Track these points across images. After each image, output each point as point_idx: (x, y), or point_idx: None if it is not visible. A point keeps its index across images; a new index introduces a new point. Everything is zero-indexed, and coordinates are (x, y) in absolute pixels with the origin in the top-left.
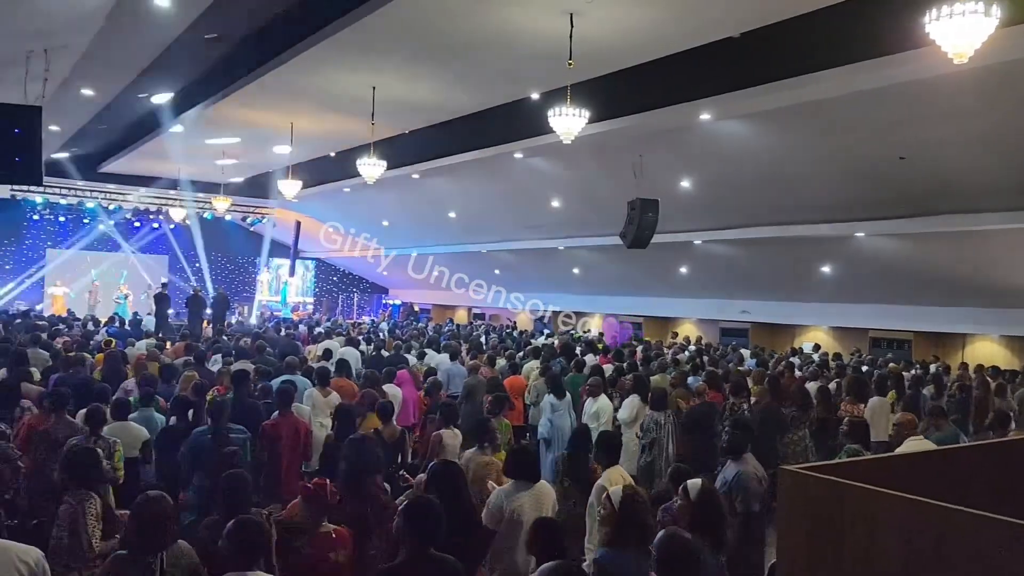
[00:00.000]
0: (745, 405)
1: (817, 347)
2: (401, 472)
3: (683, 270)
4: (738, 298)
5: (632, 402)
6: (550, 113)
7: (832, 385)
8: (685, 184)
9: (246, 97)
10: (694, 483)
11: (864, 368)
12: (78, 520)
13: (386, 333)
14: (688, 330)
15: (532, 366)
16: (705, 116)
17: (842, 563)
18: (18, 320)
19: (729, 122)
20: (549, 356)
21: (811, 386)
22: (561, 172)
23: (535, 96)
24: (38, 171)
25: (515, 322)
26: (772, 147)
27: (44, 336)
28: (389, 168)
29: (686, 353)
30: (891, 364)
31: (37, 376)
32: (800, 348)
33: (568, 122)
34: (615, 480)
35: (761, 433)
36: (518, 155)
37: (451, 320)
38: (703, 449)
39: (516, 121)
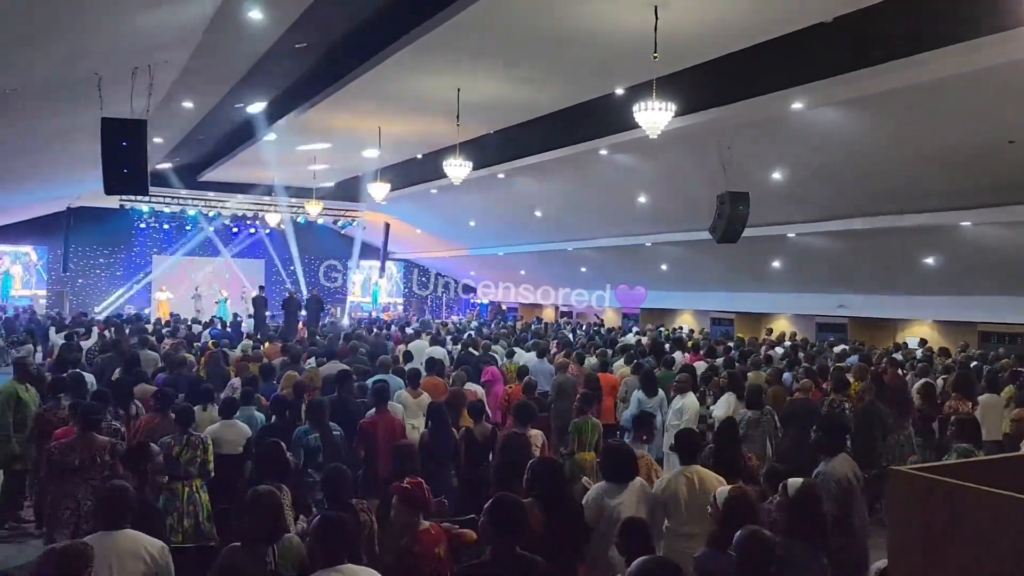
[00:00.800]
0: (846, 403)
1: (923, 342)
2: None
3: (776, 264)
4: (835, 292)
5: (727, 400)
6: (635, 108)
7: (939, 382)
8: (777, 176)
9: (335, 103)
10: (794, 482)
11: (973, 364)
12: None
13: (474, 332)
14: (782, 326)
15: (622, 364)
16: (797, 105)
17: (956, 568)
18: (129, 324)
19: (823, 110)
20: (638, 354)
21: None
22: (647, 167)
23: (620, 91)
24: (144, 181)
25: (603, 319)
26: (869, 135)
27: (152, 339)
28: (475, 168)
29: (779, 349)
30: (1003, 359)
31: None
32: (904, 343)
33: (654, 116)
34: (679, 481)
35: (861, 432)
36: (603, 151)
37: (538, 318)
38: (800, 448)
39: (601, 117)
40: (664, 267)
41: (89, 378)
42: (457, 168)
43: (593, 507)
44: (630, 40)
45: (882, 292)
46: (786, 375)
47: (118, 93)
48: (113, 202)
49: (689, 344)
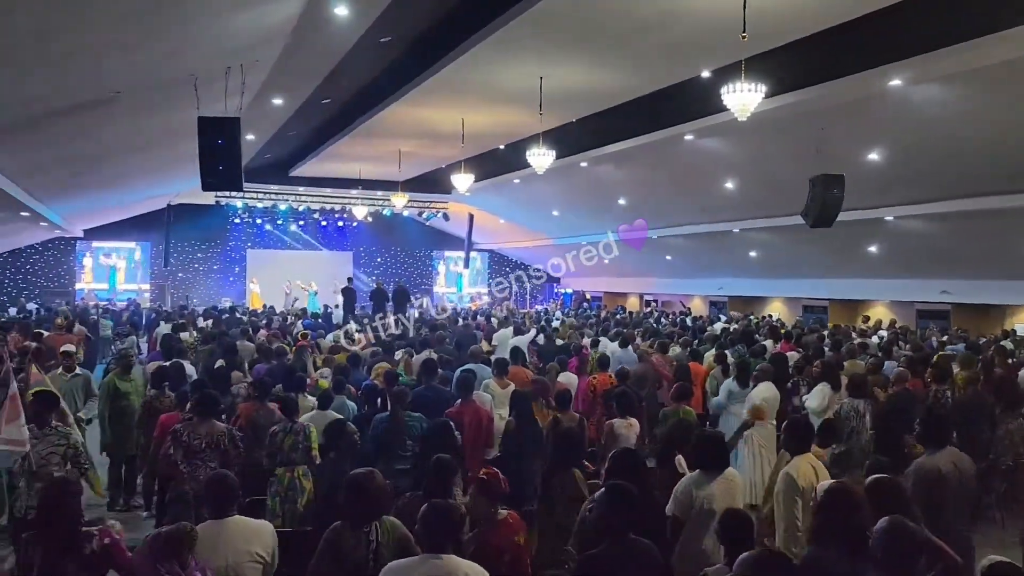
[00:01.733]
0: (949, 393)
1: None
2: (582, 460)
3: (873, 249)
4: (937, 277)
5: (822, 390)
6: (723, 90)
7: None
8: (873, 156)
9: (418, 96)
10: (823, 485)
11: None
12: None
13: (558, 322)
14: (880, 313)
15: (713, 354)
16: (895, 82)
17: None
18: (226, 315)
19: (923, 86)
20: (728, 343)
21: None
22: (735, 152)
23: (706, 73)
24: (238, 178)
25: (689, 308)
26: (972, 111)
27: (249, 330)
28: (558, 157)
29: (875, 338)
30: None
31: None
32: (1012, 330)
33: (743, 98)
34: (803, 469)
35: (964, 424)
36: (689, 137)
37: (622, 307)
38: (901, 440)
39: (686, 101)
40: (753, 254)
41: (189, 368)
42: (540, 157)
43: (682, 498)
44: (717, 20)
45: (988, 277)
46: (886, 365)
47: (213, 93)
48: (209, 199)
49: (781, 332)
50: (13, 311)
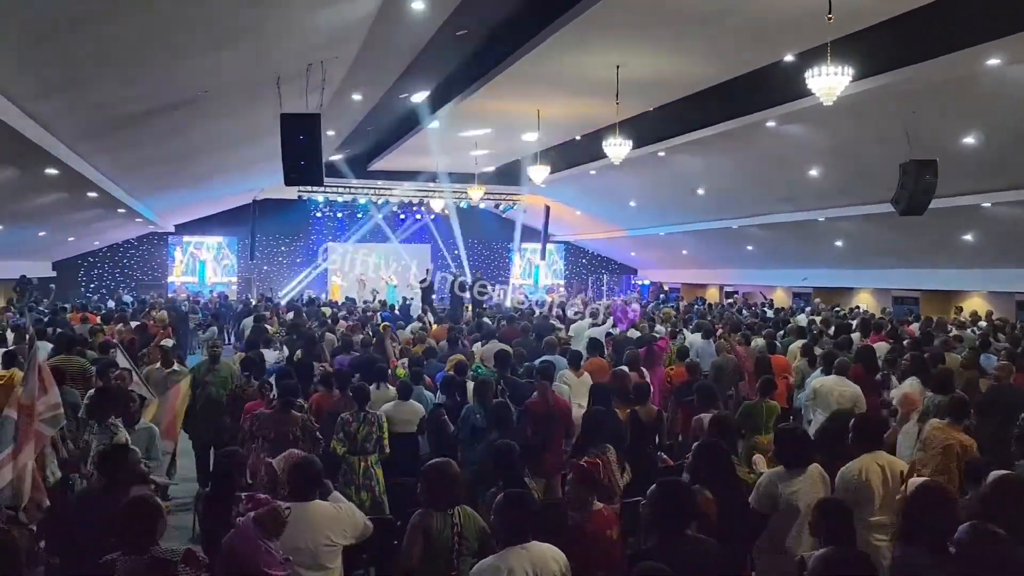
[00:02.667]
0: None
1: None
2: (660, 453)
3: (968, 237)
4: None
5: (911, 384)
6: (807, 74)
7: None
8: (969, 140)
9: (495, 88)
10: (996, 475)
11: None
12: None
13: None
14: (976, 305)
15: (798, 346)
16: (993, 61)
17: None
18: (308, 307)
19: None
20: (810, 336)
21: None
22: (819, 138)
23: (789, 58)
24: (320, 173)
25: (771, 299)
26: None
27: (329, 321)
28: (635, 147)
29: (970, 331)
30: None
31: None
32: None
33: (829, 82)
34: (870, 468)
35: None
36: (771, 123)
37: (701, 299)
38: (1001, 439)
39: (768, 87)
40: (839, 243)
41: (269, 357)
42: (617, 148)
43: (764, 493)
44: (801, 2)
45: None
46: (984, 358)
47: (294, 90)
48: (292, 193)
49: (872, 323)
50: (111, 303)
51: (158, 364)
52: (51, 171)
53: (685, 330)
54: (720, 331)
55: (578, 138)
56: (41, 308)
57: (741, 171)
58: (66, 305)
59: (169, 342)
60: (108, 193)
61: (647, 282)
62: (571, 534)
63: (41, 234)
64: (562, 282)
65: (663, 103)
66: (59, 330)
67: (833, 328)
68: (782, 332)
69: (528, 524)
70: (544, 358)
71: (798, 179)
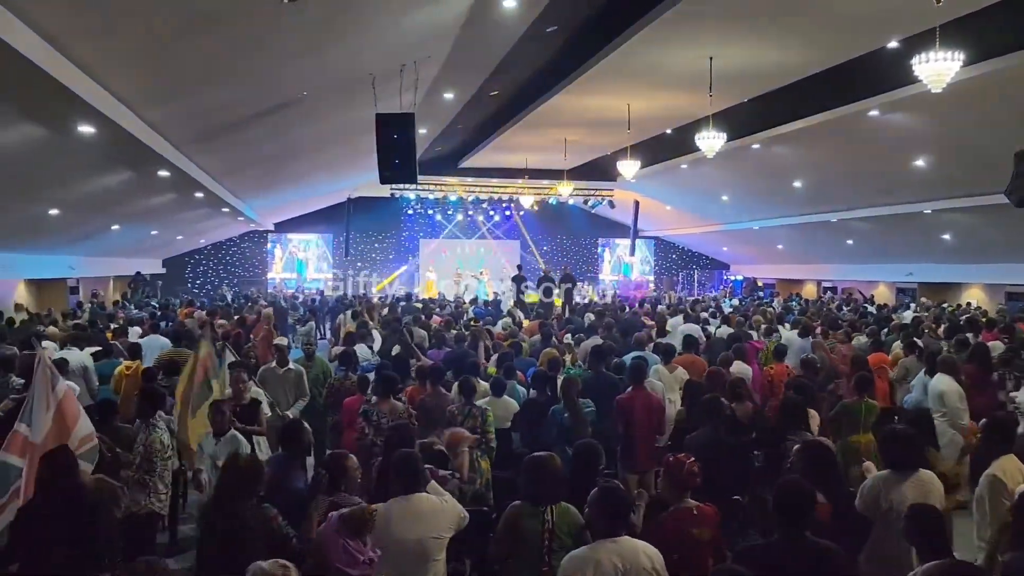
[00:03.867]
0: None
1: None
2: (756, 452)
3: None
4: None
5: None
6: (914, 60)
7: None
8: None
9: (585, 84)
10: None
11: None
12: None
13: (729, 309)
14: None
15: (900, 344)
16: None
17: None
18: (402, 303)
19: None
20: (916, 333)
21: None
22: (926, 126)
23: (894, 44)
24: (413, 171)
25: (872, 295)
26: None
27: (423, 317)
28: (728, 140)
29: None
30: None
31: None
32: None
33: (938, 68)
34: (1009, 470)
35: None
36: (873, 112)
37: (797, 295)
38: None
39: (870, 75)
40: (946, 237)
41: (363, 352)
42: (710, 141)
43: (869, 497)
44: None
45: None
46: None
47: (389, 90)
48: (384, 191)
49: (983, 321)
50: (225, 298)
51: (273, 363)
52: (163, 173)
53: (781, 327)
54: (819, 329)
55: (669, 132)
56: (153, 303)
57: (841, 162)
58: (175, 300)
59: (283, 340)
60: (213, 193)
61: (740, 277)
62: (650, 529)
63: (153, 233)
64: (651, 277)
65: (758, 94)
66: (170, 324)
67: (944, 326)
68: (885, 330)
69: (619, 518)
70: (635, 354)
71: (902, 170)
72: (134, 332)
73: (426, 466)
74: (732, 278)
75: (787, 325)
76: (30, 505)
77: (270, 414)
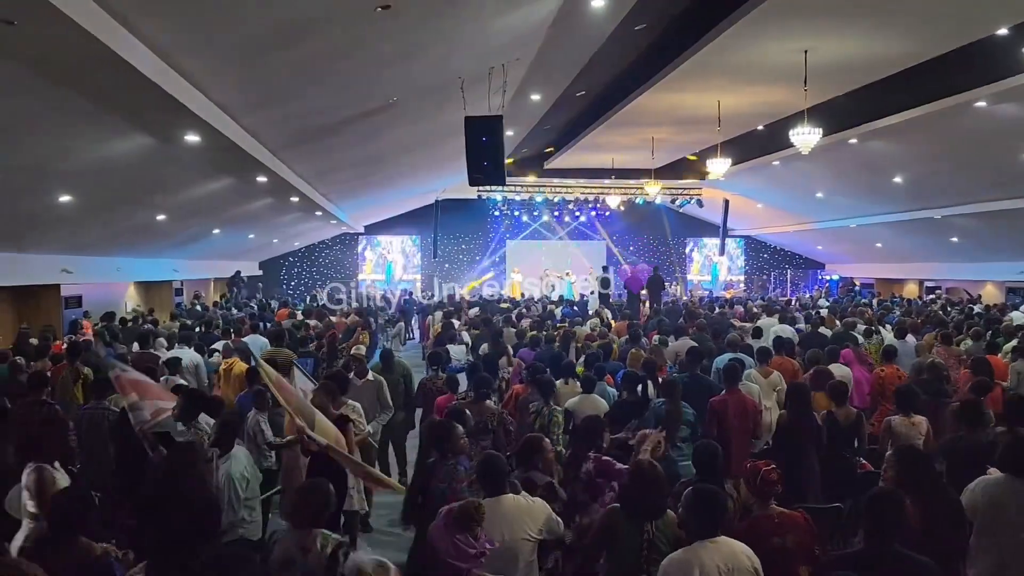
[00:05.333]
0: None
1: None
2: (858, 458)
3: None
4: None
5: None
6: None
7: None
8: None
9: (673, 81)
10: None
11: None
12: None
13: (825, 310)
14: None
15: (1012, 346)
16: None
17: None
18: (489, 303)
19: None
20: None
21: None
22: None
23: (1003, 31)
24: (502, 173)
25: (979, 295)
26: None
27: (513, 317)
28: (824, 135)
29: None
30: None
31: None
32: None
33: None
34: None
35: None
36: (981, 103)
37: (898, 295)
38: None
39: (977, 64)
40: None
41: (455, 351)
42: (804, 136)
43: (979, 500)
44: None
45: None
46: None
47: (477, 93)
48: (472, 193)
49: None
50: (318, 299)
51: (351, 374)
52: (261, 178)
53: (882, 329)
54: (921, 329)
55: (760, 128)
56: (251, 304)
57: (944, 156)
58: (272, 301)
59: (363, 348)
60: (308, 197)
61: (836, 277)
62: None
63: (251, 236)
64: (742, 277)
65: (855, 87)
66: (268, 324)
67: None
68: (990, 332)
69: (717, 519)
70: (729, 355)
71: (1013, 162)
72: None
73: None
74: (827, 278)
75: (888, 326)
76: (158, 496)
77: (360, 427)
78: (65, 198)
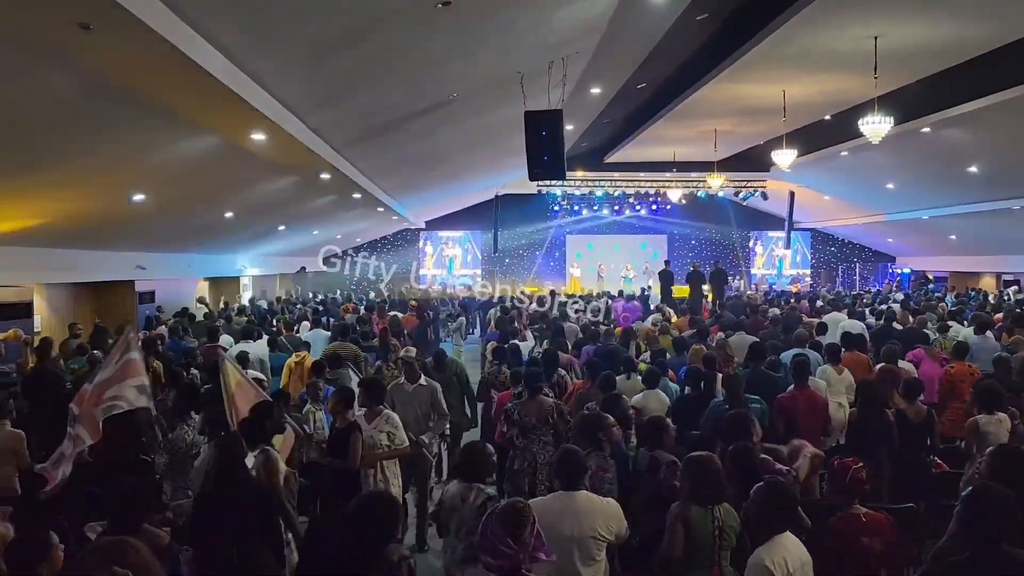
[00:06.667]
0: None
1: None
2: (932, 456)
3: None
4: None
5: None
6: None
7: None
8: None
9: (736, 72)
10: None
11: None
12: None
13: (897, 304)
14: None
15: None
16: None
17: None
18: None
19: None
20: None
21: None
22: None
23: None
24: (562, 167)
25: None
26: None
27: (570, 312)
28: (896, 124)
29: None
30: None
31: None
32: None
33: None
34: None
35: None
36: None
37: (974, 289)
38: None
39: None
40: None
41: (525, 347)
42: (875, 125)
43: None
44: None
45: None
46: None
47: (536, 87)
48: (531, 187)
49: None
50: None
51: (401, 379)
52: (324, 175)
53: (956, 324)
54: (1001, 325)
55: (828, 118)
56: (317, 300)
57: None
58: (336, 296)
59: (411, 352)
60: (370, 193)
61: (907, 270)
62: (814, 535)
63: (315, 232)
64: (808, 271)
65: (929, 74)
66: (332, 319)
67: None
68: None
69: (790, 514)
70: (796, 351)
71: None
72: (303, 327)
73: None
74: (898, 271)
75: (965, 322)
76: (208, 494)
77: (399, 440)
78: (139, 197)
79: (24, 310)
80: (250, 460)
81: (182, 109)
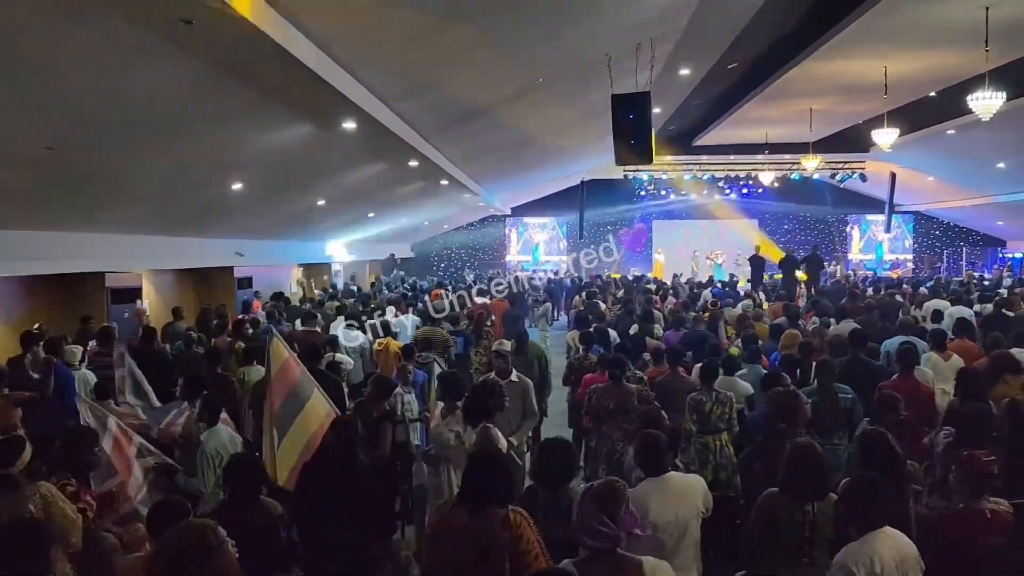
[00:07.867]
0: None
1: None
2: None
3: None
4: None
5: None
6: None
7: None
8: None
9: (834, 48)
10: None
11: None
12: None
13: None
14: None
15: None
16: None
17: None
18: (634, 284)
19: None
20: None
21: None
22: None
23: None
24: (649, 151)
25: None
26: None
27: (656, 298)
28: (1008, 99)
29: None
30: None
31: (659, 332)
32: None
33: None
34: None
35: None
36: None
37: None
38: None
39: None
40: None
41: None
42: (985, 101)
43: None
44: None
45: None
46: None
47: (624, 70)
48: (618, 172)
49: None
50: (470, 278)
51: (492, 374)
52: (412, 163)
53: None
54: None
55: (932, 95)
56: (405, 285)
57: None
58: (423, 282)
59: (506, 345)
60: (457, 180)
61: (1019, 255)
62: (927, 530)
63: (403, 220)
64: (910, 256)
65: None
66: (420, 304)
67: None
68: None
69: (886, 509)
70: (901, 338)
71: None
72: (390, 311)
73: None
74: (1009, 256)
75: None
76: (312, 474)
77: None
78: (237, 186)
79: (134, 295)
80: (471, 435)
81: (277, 99)
